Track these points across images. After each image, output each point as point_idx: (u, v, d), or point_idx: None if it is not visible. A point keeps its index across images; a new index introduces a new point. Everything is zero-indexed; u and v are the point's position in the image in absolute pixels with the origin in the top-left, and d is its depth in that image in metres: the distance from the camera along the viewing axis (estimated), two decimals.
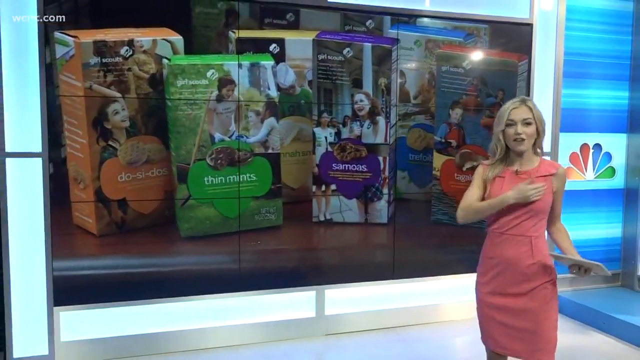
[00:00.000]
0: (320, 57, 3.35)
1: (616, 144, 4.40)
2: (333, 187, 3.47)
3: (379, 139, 3.52)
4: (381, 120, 3.51)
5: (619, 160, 4.42)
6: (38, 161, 2.91)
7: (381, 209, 3.58)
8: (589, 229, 4.32)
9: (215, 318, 3.34)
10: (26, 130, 2.88)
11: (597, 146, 4.35)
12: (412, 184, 3.67)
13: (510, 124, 2.05)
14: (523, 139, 2.04)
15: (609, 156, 4.39)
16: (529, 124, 2.04)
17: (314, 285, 3.51)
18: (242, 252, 3.30)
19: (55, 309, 3.01)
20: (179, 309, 3.26)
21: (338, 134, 3.44)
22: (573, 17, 4.09)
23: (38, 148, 2.90)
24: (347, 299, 3.61)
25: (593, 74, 4.26)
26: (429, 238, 3.77)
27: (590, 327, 3.79)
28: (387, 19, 3.52)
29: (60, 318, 3.04)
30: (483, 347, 2.24)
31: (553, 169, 2.10)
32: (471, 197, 2.16)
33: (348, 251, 3.58)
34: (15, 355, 2.94)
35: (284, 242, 3.41)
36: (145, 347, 3.20)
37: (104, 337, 3.13)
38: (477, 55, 3.73)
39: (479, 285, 2.20)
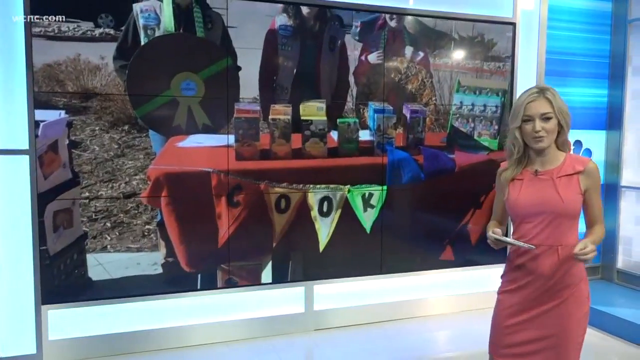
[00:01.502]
0: None
1: (596, 141, 4.51)
2: None
3: None
4: None
5: (598, 157, 4.52)
6: (25, 158, 2.90)
7: None
8: None
9: (205, 315, 3.35)
10: (13, 127, 2.88)
11: (578, 143, 4.45)
12: None
13: (527, 119, 1.79)
14: (542, 137, 1.78)
15: (589, 152, 4.49)
16: (548, 118, 1.77)
17: (303, 281, 3.56)
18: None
19: (43, 307, 3.00)
20: (168, 306, 3.27)
21: None
22: (555, 17, 4.17)
23: (25, 145, 2.90)
24: (335, 295, 3.66)
25: (574, 72, 4.36)
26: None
27: None
28: None
29: (48, 316, 3.03)
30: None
31: (580, 166, 1.79)
32: (494, 209, 2.03)
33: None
34: (2, 355, 2.93)
35: None
36: (134, 344, 3.20)
37: (92, 335, 3.13)
38: None
39: (501, 294, 1.97)
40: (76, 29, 2.98)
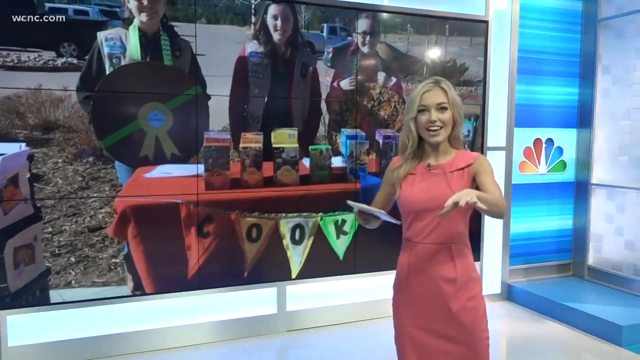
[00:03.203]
0: None
1: (567, 139, 4.55)
2: None
3: None
4: None
5: (569, 155, 4.57)
6: None
7: None
8: (542, 221, 4.47)
9: (174, 317, 3.28)
10: None
11: (550, 141, 4.49)
12: None
13: (423, 109, 1.73)
14: (439, 127, 1.72)
15: (560, 150, 4.53)
16: (444, 109, 1.72)
17: (275, 282, 3.51)
18: None
19: (2, 312, 2.89)
20: (136, 309, 3.18)
21: None
22: (526, 16, 4.20)
23: None
24: (308, 295, 3.62)
25: (545, 71, 4.38)
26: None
27: (543, 315, 3.94)
28: None
29: (7, 322, 2.92)
30: None
31: (471, 159, 1.74)
32: (375, 199, 1.89)
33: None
34: None
35: None
36: (102, 349, 3.11)
37: (56, 341, 3.02)
38: None
39: (396, 304, 1.86)
40: (37, 59, 2.88)
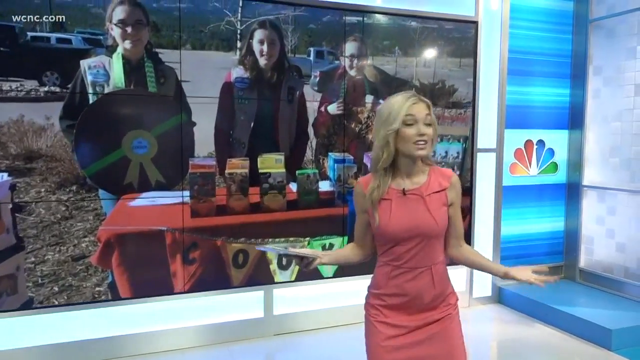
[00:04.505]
0: None
1: (558, 140, 4.52)
2: None
3: None
4: None
5: (561, 156, 4.54)
6: None
7: None
8: (533, 223, 4.44)
9: (161, 321, 3.25)
10: None
11: (541, 142, 4.45)
12: None
13: (410, 123, 1.60)
14: (426, 142, 1.62)
15: (551, 152, 4.50)
16: (429, 124, 1.63)
17: (262, 285, 3.48)
18: None
19: None
20: (122, 313, 3.15)
21: None
22: (517, 16, 4.17)
23: None
24: (295, 298, 3.59)
25: (536, 71, 4.35)
26: None
27: (533, 319, 3.91)
28: None
29: None
30: None
31: (445, 182, 1.71)
32: (356, 231, 1.82)
33: None
34: None
35: None
36: (88, 353, 3.08)
37: (40, 345, 2.99)
38: None
39: (375, 323, 1.79)
40: (19, 88, 2.86)
